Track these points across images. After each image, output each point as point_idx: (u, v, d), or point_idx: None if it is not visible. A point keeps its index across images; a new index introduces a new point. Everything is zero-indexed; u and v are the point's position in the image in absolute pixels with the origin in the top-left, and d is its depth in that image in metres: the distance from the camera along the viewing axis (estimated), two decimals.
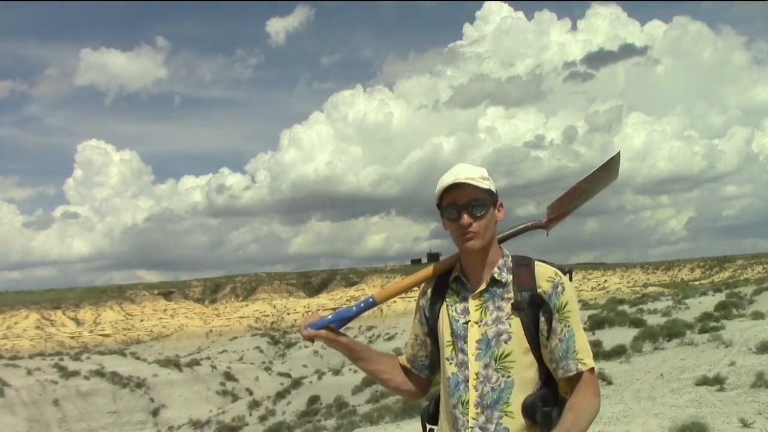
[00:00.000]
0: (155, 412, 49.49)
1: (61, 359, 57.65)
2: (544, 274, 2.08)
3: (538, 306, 2.04)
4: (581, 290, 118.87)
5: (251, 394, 48.06)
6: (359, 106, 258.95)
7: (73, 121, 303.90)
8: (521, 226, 2.30)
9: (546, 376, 2.07)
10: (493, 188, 2.08)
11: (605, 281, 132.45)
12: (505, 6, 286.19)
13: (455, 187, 2.03)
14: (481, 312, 2.08)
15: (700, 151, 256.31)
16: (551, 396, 2.05)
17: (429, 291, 2.24)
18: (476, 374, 2.03)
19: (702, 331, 15.00)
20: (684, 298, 29.57)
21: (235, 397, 50.58)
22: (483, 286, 2.10)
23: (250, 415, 34.99)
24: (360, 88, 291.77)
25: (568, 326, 2.05)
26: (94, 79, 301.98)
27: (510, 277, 2.10)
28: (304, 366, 57.27)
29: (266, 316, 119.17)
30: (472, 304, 2.10)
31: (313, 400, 30.74)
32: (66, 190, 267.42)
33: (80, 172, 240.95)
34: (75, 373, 51.40)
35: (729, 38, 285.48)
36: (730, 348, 12.15)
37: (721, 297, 25.37)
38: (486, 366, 2.04)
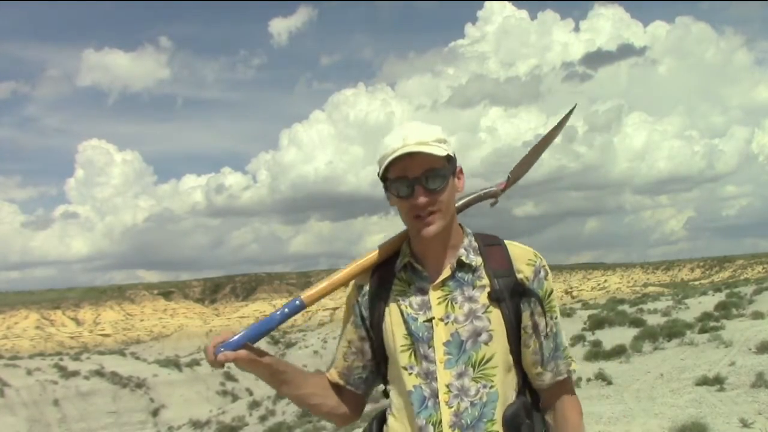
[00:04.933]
0: (155, 412, 49.50)
1: (61, 359, 57.67)
2: (523, 255, 1.68)
3: (519, 295, 1.64)
4: (581, 290, 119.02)
5: (251, 394, 48.01)
6: (360, 105, 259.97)
7: (76, 121, 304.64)
8: (474, 195, 1.86)
9: (521, 376, 1.71)
10: (452, 152, 1.63)
11: (605, 281, 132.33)
12: (508, 6, 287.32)
13: (405, 157, 1.58)
14: (447, 305, 1.63)
15: (700, 151, 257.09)
16: (531, 404, 1.69)
17: (366, 285, 1.76)
18: (447, 386, 1.60)
19: (702, 331, 14.97)
20: (684, 298, 29.55)
21: (235, 397, 50.61)
22: (447, 273, 1.65)
23: (250, 415, 35.01)
24: (362, 87, 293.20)
25: (554, 319, 1.69)
26: (96, 79, 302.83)
27: (479, 260, 1.67)
28: (304, 366, 57.07)
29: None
30: (434, 296, 1.65)
31: None
32: (67, 191, 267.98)
33: (81, 173, 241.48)
34: (75, 373, 51.43)
35: (731, 39, 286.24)
36: (730, 348, 12.14)
37: (721, 297, 25.33)
38: (461, 375, 1.61)
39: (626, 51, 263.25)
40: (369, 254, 1.77)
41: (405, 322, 1.66)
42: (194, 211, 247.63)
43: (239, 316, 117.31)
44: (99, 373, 52.77)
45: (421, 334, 1.64)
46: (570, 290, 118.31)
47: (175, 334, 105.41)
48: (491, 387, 1.61)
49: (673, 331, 15.32)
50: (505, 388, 1.63)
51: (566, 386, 1.74)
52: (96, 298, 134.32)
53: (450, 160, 1.63)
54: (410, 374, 1.65)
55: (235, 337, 1.68)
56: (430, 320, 1.63)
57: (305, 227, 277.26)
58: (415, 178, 1.59)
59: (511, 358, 1.65)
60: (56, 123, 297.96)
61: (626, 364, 12.83)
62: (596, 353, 14.34)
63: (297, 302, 1.75)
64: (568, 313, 31.25)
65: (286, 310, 1.75)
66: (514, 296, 1.64)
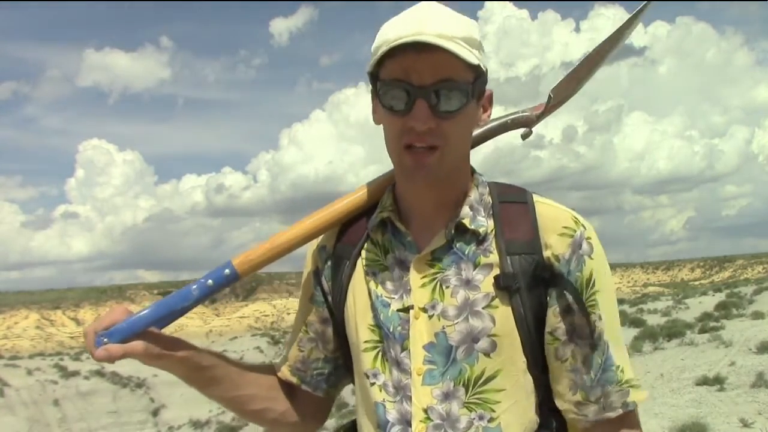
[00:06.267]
0: (155, 412, 49.53)
1: (61, 359, 57.88)
2: (555, 220, 1.07)
3: (545, 283, 1.05)
4: None
5: None
6: (361, 105, 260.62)
7: (76, 121, 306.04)
8: (497, 122, 1.24)
9: (544, 407, 1.09)
10: (483, 64, 1.03)
11: None
12: (508, 5, 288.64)
13: (412, 51, 0.98)
14: (435, 290, 1.07)
15: (700, 151, 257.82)
16: None
17: (330, 245, 1.20)
18: (426, 411, 1.04)
19: (702, 331, 15.02)
20: (684, 298, 29.63)
21: None
22: (440, 242, 1.08)
23: None
24: (363, 86, 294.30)
25: (601, 321, 1.05)
26: (97, 79, 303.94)
27: (491, 225, 1.08)
28: None
29: (266, 316, 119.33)
30: (416, 274, 1.08)
31: None
32: (67, 191, 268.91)
33: (82, 172, 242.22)
34: (75, 373, 51.55)
35: (732, 39, 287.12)
36: (730, 348, 12.15)
37: (721, 297, 25.40)
38: (447, 396, 1.04)
39: (626, 51, 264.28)
40: (351, 195, 1.17)
41: (373, 307, 1.10)
42: (194, 211, 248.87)
43: (239, 317, 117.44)
44: (99, 373, 52.83)
45: (392, 329, 1.08)
46: None
47: (174, 334, 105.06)
48: (491, 420, 1.04)
49: (673, 331, 15.36)
50: (514, 420, 1.05)
51: (623, 427, 1.07)
52: (96, 298, 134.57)
53: (480, 75, 1.04)
54: (373, 384, 1.09)
55: (127, 322, 1.07)
56: (407, 309, 1.07)
57: None
58: (420, 88, 1.00)
59: (529, 379, 1.07)
60: (56, 123, 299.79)
61: None
62: None
63: (226, 271, 1.14)
64: None
65: (210, 281, 1.13)
66: (535, 285, 1.04)
